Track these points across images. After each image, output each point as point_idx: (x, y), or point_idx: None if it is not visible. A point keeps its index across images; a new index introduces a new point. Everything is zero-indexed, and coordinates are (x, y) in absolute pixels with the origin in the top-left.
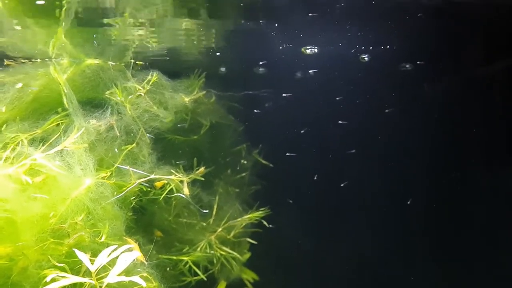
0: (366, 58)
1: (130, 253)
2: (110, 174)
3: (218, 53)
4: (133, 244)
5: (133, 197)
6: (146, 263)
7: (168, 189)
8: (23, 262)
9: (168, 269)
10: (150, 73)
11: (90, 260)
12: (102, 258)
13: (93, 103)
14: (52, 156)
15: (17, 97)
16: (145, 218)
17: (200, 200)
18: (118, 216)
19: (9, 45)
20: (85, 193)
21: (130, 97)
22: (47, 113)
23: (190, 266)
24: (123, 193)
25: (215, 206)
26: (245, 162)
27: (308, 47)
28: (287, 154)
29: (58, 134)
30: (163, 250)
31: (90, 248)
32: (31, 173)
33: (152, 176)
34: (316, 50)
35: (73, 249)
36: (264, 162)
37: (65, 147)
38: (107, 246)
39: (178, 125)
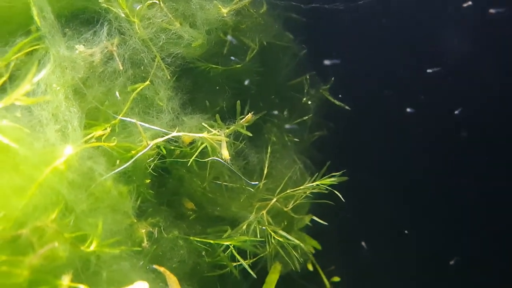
0: None
1: None
2: (108, 133)
3: None
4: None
5: (150, 159)
6: None
7: (200, 148)
8: None
9: (204, 254)
10: None
11: None
12: None
13: (81, 18)
14: (8, 110)
15: None
16: (169, 186)
17: (246, 157)
18: (123, 196)
19: None
20: (63, 171)
21: (137, 7)
22: (12, 35)
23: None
24: (124, 165)
25: (266, 166)
26: (309, 102)
27: None
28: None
29: (33, 67)
30: (196, 228)
31: (73, 267)
32: None
33: (174, 134)
34: None
35: None
36: (336, 102)
37: (17, 99)
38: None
39: (213, 51)
